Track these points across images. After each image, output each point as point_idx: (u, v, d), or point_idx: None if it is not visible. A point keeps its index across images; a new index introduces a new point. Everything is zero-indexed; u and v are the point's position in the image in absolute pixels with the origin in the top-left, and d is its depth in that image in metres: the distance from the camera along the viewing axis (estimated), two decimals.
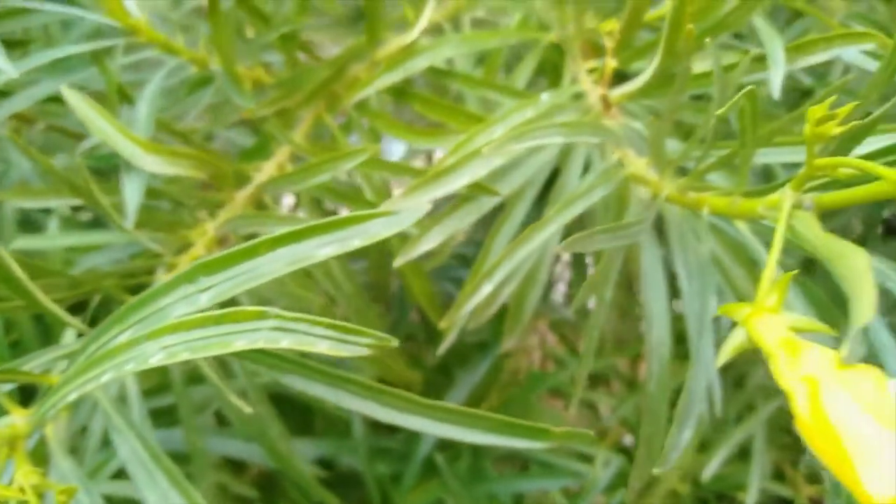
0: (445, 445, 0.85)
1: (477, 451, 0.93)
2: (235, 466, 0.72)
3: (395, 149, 0.78)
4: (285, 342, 0.30)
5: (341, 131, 0.64)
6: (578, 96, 0.59)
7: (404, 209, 0.41)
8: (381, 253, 0.73)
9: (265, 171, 0.57)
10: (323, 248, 0.34)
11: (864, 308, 0.24)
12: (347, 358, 0.57)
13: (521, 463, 0.97)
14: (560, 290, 1.09)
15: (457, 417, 0.37)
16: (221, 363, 0.60)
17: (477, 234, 0.81)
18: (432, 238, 0.51)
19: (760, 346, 0.27)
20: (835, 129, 0.31)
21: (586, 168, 0.60)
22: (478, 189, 0.50)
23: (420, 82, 0.78)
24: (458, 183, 0.47)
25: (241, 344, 0.30)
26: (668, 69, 0.51)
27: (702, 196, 0.47)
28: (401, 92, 0.64)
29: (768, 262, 0.30)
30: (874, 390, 0.22)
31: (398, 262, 0.50)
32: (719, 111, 0.36)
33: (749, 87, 0.36)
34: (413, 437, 0.86)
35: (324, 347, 0.30)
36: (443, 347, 0.57)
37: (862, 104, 0.33)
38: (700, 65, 0.55)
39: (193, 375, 0.59)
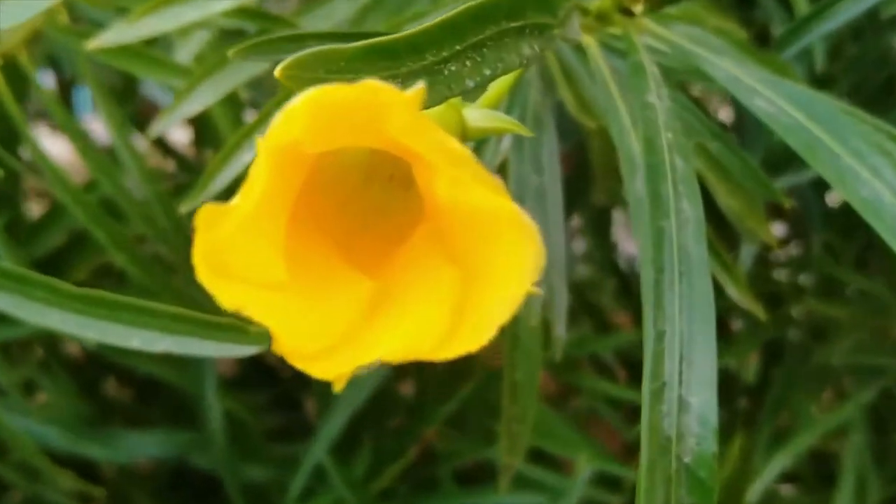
0: (343, 449, 0.66)
1: (430, 458, 0.72)
2: None
3: None
4: None
5: None
6: None
7: None
8: None
9: None
10: None
11: None
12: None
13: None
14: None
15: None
16: None
17: None
18: (203, 95, 0.33)
19: None
20: None
21: None
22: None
23: None
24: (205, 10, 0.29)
25: None
26: None
27: None
28: None
29: None
30: None
31: (152, 131, 0.32)
32: None
33: None
34: (301, 437, 0.67)
35: None
36: None
37: None
38: None
39: None
